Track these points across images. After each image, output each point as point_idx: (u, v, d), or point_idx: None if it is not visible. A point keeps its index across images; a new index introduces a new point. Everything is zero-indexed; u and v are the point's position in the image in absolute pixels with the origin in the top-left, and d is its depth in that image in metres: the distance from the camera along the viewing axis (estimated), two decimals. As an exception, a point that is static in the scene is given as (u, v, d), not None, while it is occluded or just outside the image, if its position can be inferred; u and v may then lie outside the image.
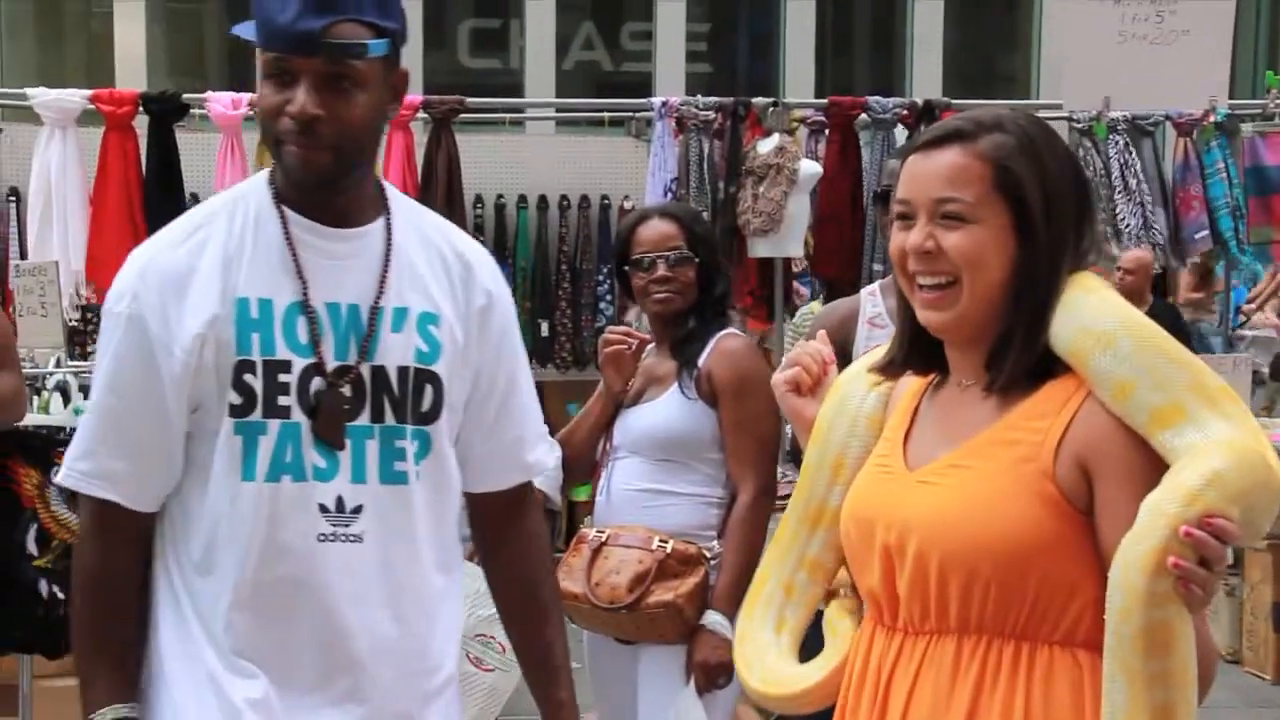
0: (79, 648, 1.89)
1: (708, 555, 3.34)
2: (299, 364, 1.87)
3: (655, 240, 3.37)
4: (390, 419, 1.93)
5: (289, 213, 1.89)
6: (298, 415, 1.87)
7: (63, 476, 1.88)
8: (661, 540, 3.30)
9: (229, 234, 1.89)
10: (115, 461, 1.85)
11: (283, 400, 1.86)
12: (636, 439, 3.37)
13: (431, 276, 1.97)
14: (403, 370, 1.93)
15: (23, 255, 6.10)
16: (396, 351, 1.93)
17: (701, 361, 3.32)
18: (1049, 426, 1.59)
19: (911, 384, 1.83)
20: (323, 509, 1.88)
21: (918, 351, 1.79)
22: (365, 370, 1.91)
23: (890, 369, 1.84)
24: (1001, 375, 1.68)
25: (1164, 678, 1.41)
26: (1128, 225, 6.06)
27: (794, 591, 1.94)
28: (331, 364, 1.88)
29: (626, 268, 3.39)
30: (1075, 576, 1.56)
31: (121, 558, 1.90)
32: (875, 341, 3.50)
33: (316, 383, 1.87)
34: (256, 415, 1.86)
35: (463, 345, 1.99)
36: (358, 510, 1.90)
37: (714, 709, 3.28)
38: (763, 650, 1.95)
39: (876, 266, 5.93)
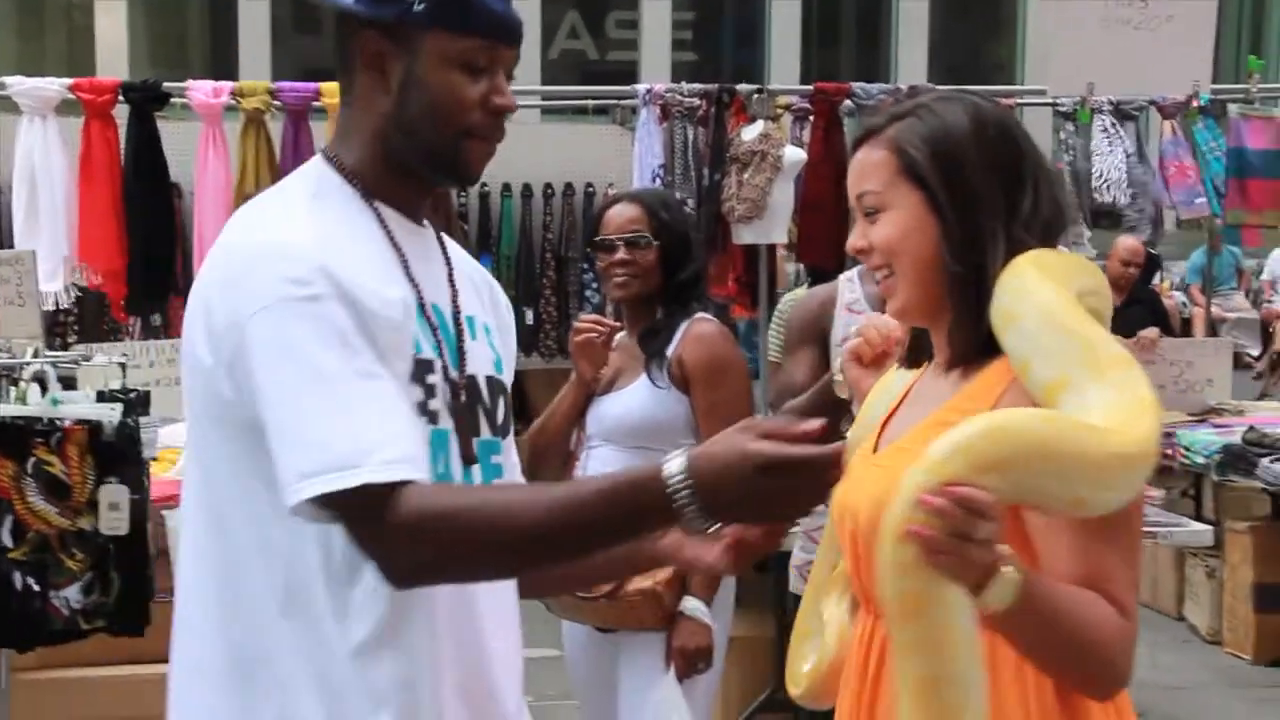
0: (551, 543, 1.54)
1: None
2: (438, 366, 1.67)
3: (618, 224, 3.39)
4: (486, 433, 1.76)
5: (382, 208, 1.69)
6: (445, 422, 1.66)
7: (369, 474, 1.45)
8: None
9: (338, 225, 1.66)
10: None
11: (432, 404, 1.65)
12: (609, 427, 3.38)
13: (473, 286, 1.83)
14: (488, 380, 1.77)
15: (2, 244, 6.09)
16: (480, 360, 1.76)
17: (672, 347, 3.34)
18: (979, 408, 1.59)
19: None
20: None
21: (918, 339, 1.82)
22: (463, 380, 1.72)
23: (905, 359, 1.87)
24: (951, 354, 1.70)
25: (921, 647, 1.39)
26: (1114, 207, 6.14)
27: (838, 582, 1.96)
28: (453, 371, 1.69)
29: (593, 250, 3.42)
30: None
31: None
32: (854, 327, 3.54)
33: (446, 389, 1.68)
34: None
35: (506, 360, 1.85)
36: None
37: (694, 694, 3.31)
38: (798, 643, 1.99)
39: (861, 253, 5.96)
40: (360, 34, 1.64)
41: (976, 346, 1.66)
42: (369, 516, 1.44)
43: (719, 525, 1.53)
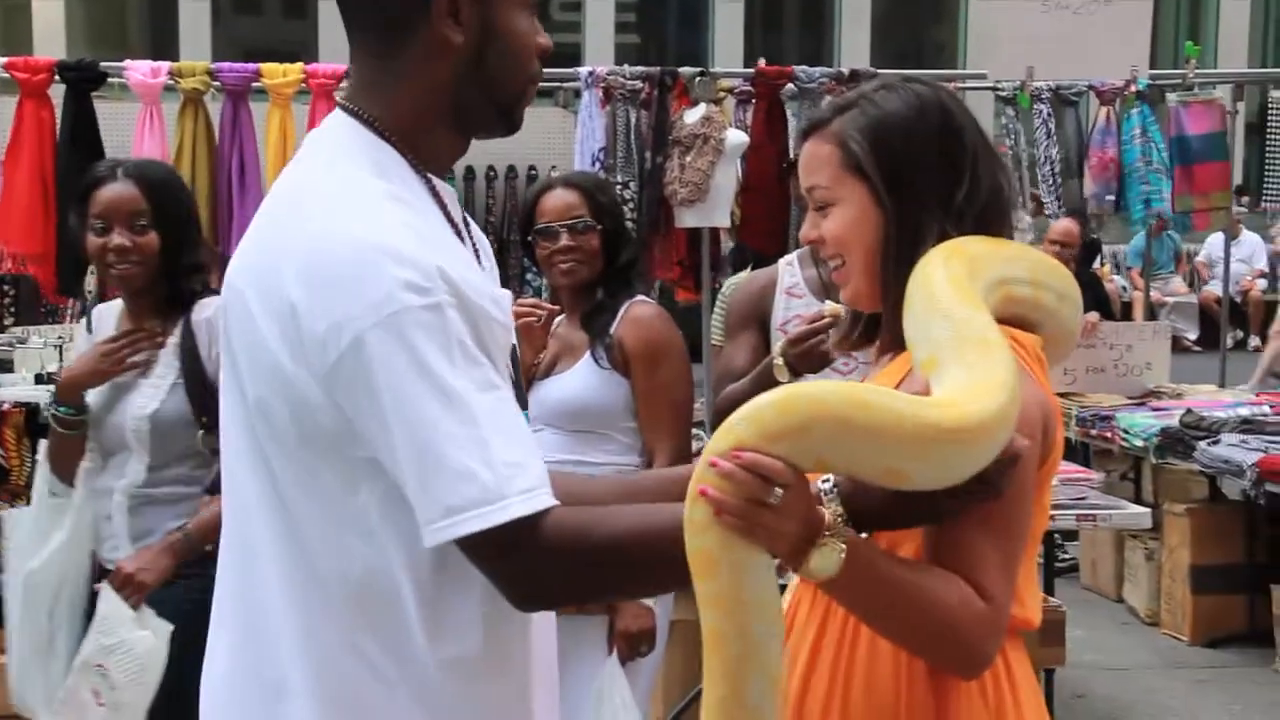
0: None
1: None
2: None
3: (559, 210, 3.36)
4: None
5: (432, 178, 1.60)
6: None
7: (517, 508, 1.39)
8: None
9: (419, 214, 1.56)
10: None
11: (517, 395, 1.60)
12: (550, 411, 3.38)
13: (485, 254, 1.75)
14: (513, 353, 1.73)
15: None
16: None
17: (612, 330, 3.33)
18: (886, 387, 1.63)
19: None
20: None
21: (863, 321, 1.86)
22: None
23: (843, 343, 1.91)
24: (889, 338, 1.74)
25: (714, 601, 1.41)
26: (1050, 193, 6.21)
27: None
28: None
29: (530, 238, 3.39)
30: (902, 538, 1.60)
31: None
32: (794, 312, 3.58)
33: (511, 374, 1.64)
34: None
35: None
36: None
37: (637, 677, 3.31)
38: None
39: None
40: None
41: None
42: (512, 547, 1.39)
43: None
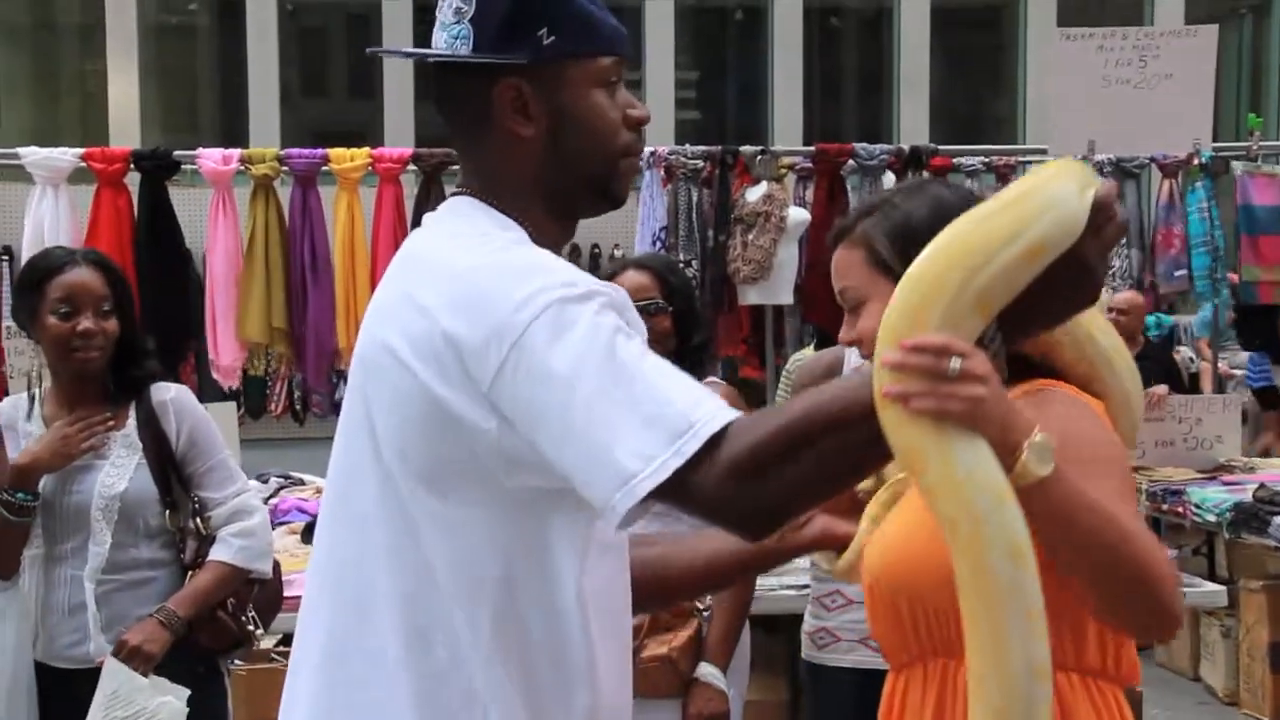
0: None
1: (699, 607, 3.37)
2: None
3: (631, 291, 3.35)
4: None
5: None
6: None
7: (710, 425, 1.40)
8: None
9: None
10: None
11: None
12: None
13: None
14: None
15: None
16: None
17: None
18: None
19: None
20: None
21: None
22: None
23: None
24: None
25: (933, 492, 1.41)
26: (1113, 270, 6.23)
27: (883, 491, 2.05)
28: None
29: None
30: None
31: None
32: None
33: None
34: None
35: None
36: None
37: None
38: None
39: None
40: (495, 84, 1.60)
41: None
42: (715, 467, 1.39)
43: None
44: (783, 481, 1.41)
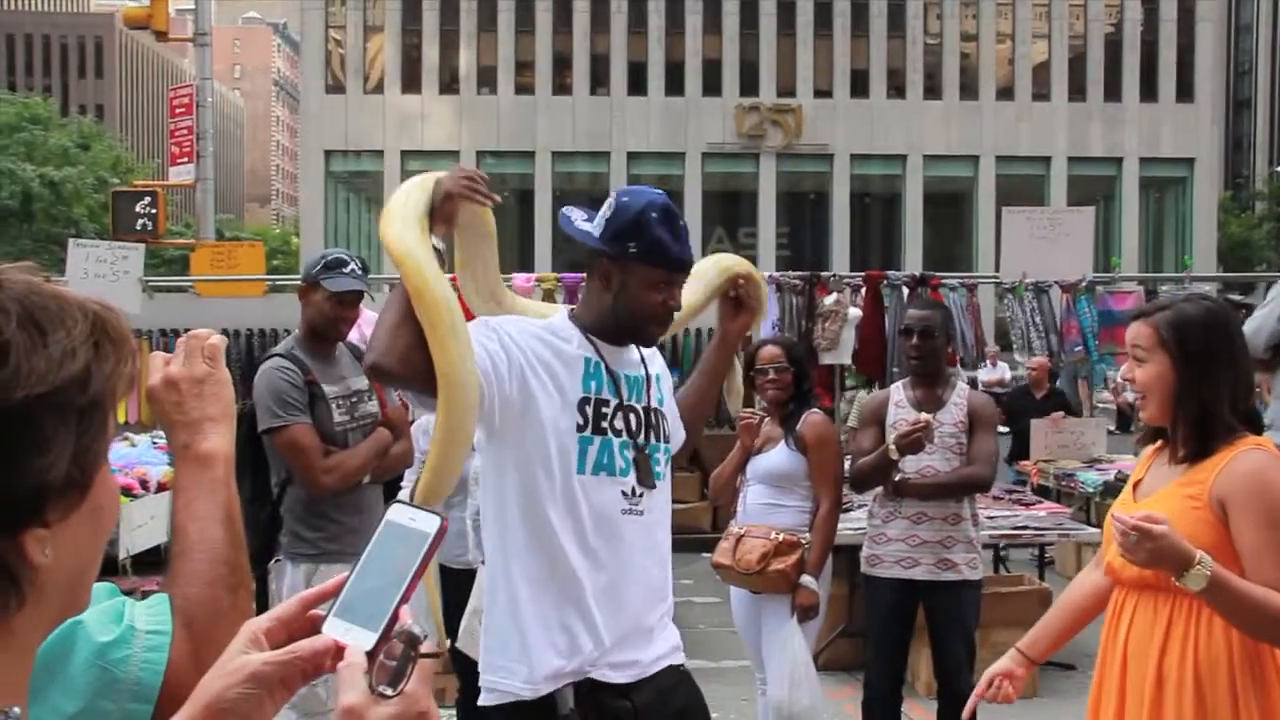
0: None
1: (803, 542, 4.44)
2: (613, 402, 2.44)
3: (768, 358, 4.60)
4: (653, 439, 2.52)
5: (604, 347, 2.42)
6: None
7: None
8: (776, 533, 4.45)
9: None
10: None
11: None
12: (760, 473, 4.56)
13: (643, 359, 2.60)
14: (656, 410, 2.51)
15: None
16: (654, 398, 2.52)
17: (797, 428, 4.53)
18: (1207, 479, 2.35)
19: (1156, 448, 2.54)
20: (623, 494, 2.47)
21: (1159, 432, 2.54)
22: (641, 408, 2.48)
23: (1143, 440, 2.58)
24: (1183, 452, 2.47)
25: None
26: (1033, 345, 8.55)
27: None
28: (628, 401, 2.48)
29: (753, 374, 4.60)
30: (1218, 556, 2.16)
31: None
32: (900, 416, 4.62)
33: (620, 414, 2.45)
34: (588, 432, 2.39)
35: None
36: (642, 496, 2.50)
37: (808, 631, 4.52)
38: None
39: (894, 369, 8.18)
40: (598, 258, 2.39)
41: (1197, 450, 2.41)
42: None
43: None
44: None
